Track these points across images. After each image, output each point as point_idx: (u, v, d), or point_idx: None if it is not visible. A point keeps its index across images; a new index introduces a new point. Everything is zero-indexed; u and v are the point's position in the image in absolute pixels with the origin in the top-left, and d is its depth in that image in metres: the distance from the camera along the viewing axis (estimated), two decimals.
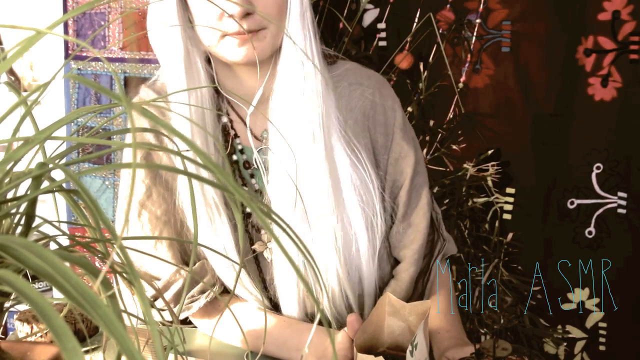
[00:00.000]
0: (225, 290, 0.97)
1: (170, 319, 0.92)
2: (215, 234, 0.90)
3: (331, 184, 0.89)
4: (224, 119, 0.94)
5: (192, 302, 0.92)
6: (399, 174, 0.96)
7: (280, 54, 0.88)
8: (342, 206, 0.91)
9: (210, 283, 0.94)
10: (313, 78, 0.87)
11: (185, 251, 0.96)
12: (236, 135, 0.95)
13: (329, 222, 0.89)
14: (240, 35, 0.82)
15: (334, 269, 0.90)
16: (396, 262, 1.00)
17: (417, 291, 0.98)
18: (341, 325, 0.91)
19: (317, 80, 0.87)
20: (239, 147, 0.95)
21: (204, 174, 0.82)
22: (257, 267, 0.96)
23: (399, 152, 0.96)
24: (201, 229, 0.89)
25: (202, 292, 0.93)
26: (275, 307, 0.97)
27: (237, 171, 0.95)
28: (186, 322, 1.03)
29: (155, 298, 0.93)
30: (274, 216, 0.35)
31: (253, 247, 0.95)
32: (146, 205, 0.92)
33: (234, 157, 0.95)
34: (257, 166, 0.94)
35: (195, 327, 1.02)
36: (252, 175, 0.96)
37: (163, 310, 0.93)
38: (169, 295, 0.92)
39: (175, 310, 0.93)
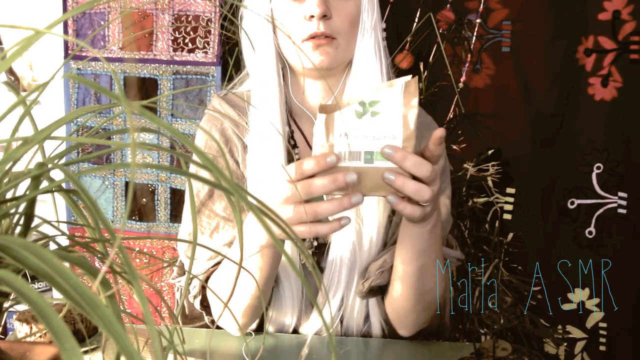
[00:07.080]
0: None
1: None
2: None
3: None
4: (285, 129, 1.00)
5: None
6: None
7: (351, 68, 0.96)
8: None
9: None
10: None
11: None
12: (295, 146, 1.00)
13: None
14: (315, 39, 0.90)
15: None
16: None
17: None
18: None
19: None
20: (297, 157, 1.00)
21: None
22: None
23: None
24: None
25: None
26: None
27: None
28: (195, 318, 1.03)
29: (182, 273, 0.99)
30: (272, 215, 0.35)
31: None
32: (207, 204, 0.98)
33: None
34: None
35: (195, 328, 1.02)
36: None
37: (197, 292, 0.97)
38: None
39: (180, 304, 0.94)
